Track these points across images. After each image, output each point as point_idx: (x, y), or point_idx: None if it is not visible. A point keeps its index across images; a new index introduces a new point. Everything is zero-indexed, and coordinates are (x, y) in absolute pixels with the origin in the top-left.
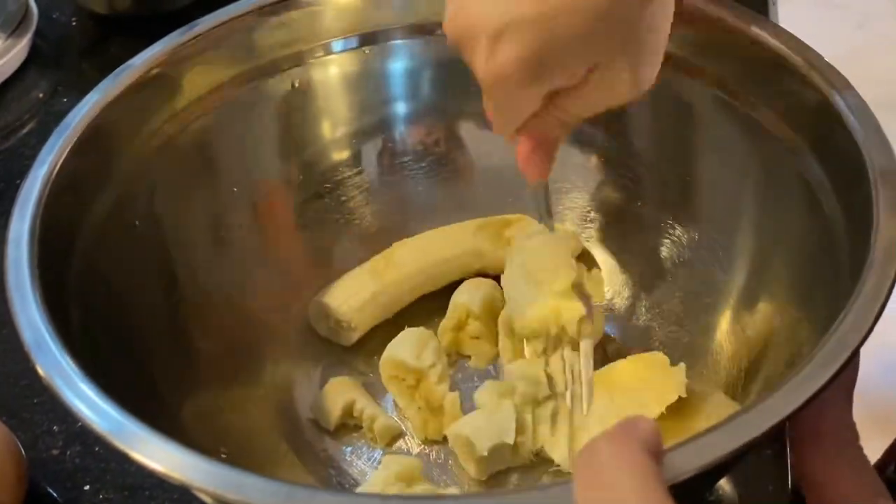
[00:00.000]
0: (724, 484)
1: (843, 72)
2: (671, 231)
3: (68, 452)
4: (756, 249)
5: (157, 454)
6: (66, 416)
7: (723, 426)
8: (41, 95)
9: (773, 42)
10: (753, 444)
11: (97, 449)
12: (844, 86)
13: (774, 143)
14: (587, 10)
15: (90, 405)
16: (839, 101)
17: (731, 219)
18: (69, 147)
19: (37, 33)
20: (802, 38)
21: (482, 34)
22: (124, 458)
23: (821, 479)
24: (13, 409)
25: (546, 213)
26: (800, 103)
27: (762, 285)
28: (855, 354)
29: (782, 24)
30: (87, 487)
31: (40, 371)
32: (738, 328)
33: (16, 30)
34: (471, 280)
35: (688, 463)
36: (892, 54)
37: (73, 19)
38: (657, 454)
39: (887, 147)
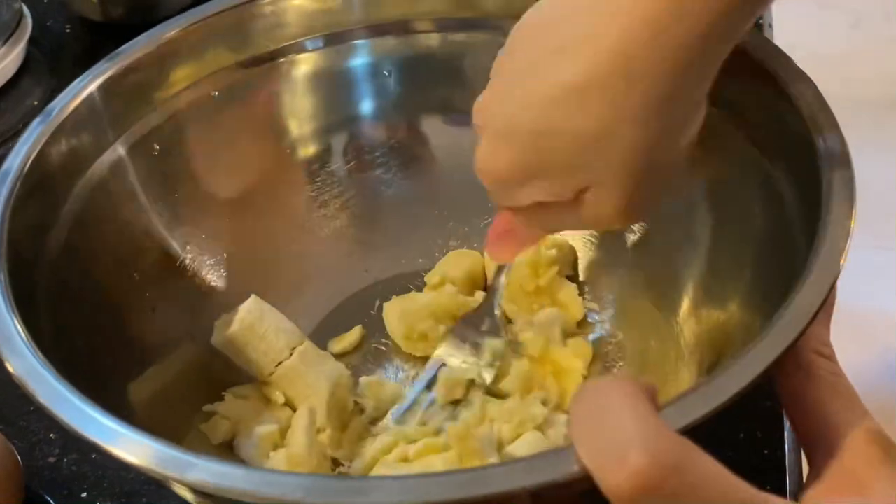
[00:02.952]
0: None
1: (837, 71)
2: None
3: (65, 460)
4: (712, 240)
5: (132, 448)
6: None
7: (709, 383)
8: (36, 103)
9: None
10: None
11: (94, 456)
12: (799, 76)
13: (730, 136)
14: (581, 137)
15: (62, 401)
16: (793, 91)
17: (687, 212)
18: (40, 145)
19: (31, 41)
20: (797, 38)
21: (489, 129)
22: (121, 465)
23: (801, 393)
24: (9, 417)
25: (495, 304)
26: (755, 95)
27: (718, 277)
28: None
29: (776, 25)
30: (84, 495)
31: (12, 370)
32: (697, 322)
33: (10, 37)
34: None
35: (685, 416)
36: (886, 54)
37: (68, 27)
38: (650, 395)
39: (836, 130)
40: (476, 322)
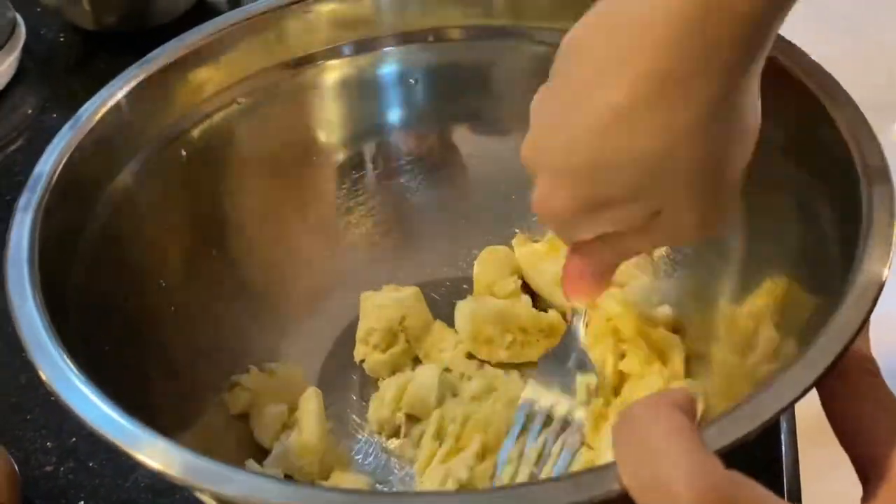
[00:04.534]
0: None
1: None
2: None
3: (62, 469)
4: (747, 251)
5: (157, 455)
6: (59, 432)
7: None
8: (30, 111)
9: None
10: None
11: (91, 465)
12: (834, 87)
13: (765, 146)
14: (639, 161)
15: (89, 407)
16: (828, 102)
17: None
18: (69, 152)
19: (25, 49)
20: (790, 42)
21: (542, 169)
22: (118, 474)
23: (848, 412)
24: (6, 426)
25: (580, 349)
26: (791, 107)
27: (754, 284)
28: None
29: None
30: (80, 503)
31: (42, 375)
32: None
33: (4, 46)
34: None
35: (726, 436)
36: (879, 58)
37: (61, 35)
38: (691, 416)
39: (876, 143)
40: (561, 358)
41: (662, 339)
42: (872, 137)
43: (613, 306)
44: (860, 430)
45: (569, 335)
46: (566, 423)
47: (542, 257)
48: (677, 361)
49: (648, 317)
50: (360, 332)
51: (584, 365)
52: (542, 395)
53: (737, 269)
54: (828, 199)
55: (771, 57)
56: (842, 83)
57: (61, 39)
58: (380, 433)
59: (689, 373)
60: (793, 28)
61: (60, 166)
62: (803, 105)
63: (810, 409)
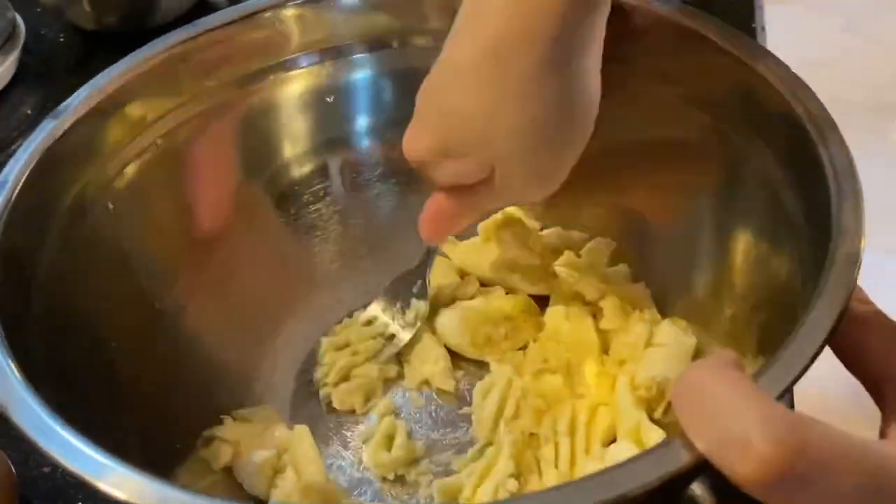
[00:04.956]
0: (697, 487)
1: (828, 74)
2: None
3: (59, 470)
4: (719, 244)
5: (122, 483)
6: None
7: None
8: (29, 112)
9: (734, 50)
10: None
11: None
12: (801, 88)
13: (736, 145)
14: (474, 117)
15: (54, 438)
16: (797, 105)
17: (696, 216)
18: (28, 170)
19: (24, 50)
20: (788, 42)
21: (416, 113)
22: None
23: (855, 341)
24: (3, 427)
25: (425, 283)
26: (760, 106)
27: (725, 281)
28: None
29: (769, 28)
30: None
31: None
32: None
33: (3, 46)
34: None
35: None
36: (878, 56)
37: (61, 35)
38: (743, 371)
39: (842, 143)
40: (408, 283)
41: (630, 292)
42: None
43: (571, 273)
44: (870, 354)
45: (423, 265)
46: (391, 337)
47: (478, 249)
48: (650, 307)
49: (606, 276)
50: (318, 375)
51: (423, 294)
52: (384, 310)
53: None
54: (797, 197)
55: (745, 63)
56: (843, 82)
57: (61, 40)
58: (383, 480)
59: (665, 314)
60: (794, 27)
61: (25, 175)
62: (775, 108)
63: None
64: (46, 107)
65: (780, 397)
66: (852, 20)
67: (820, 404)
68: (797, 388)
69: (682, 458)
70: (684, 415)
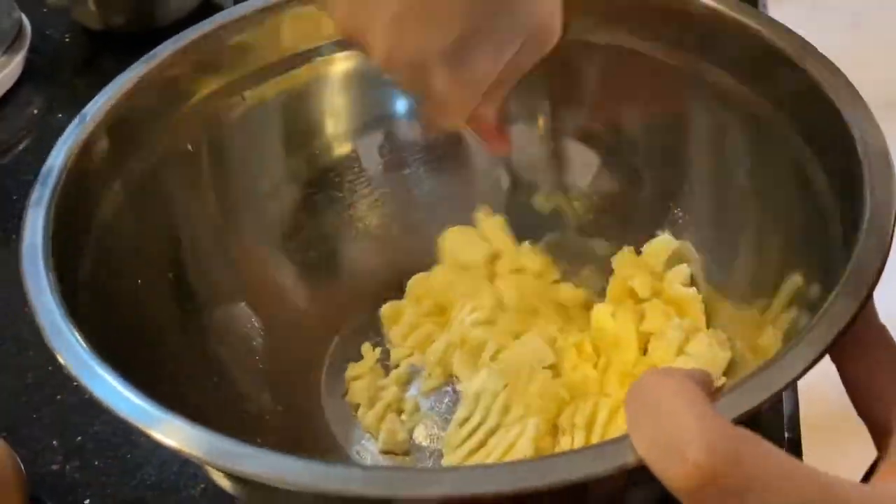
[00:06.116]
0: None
1: None
2: (673, 215)
3: (68, 467)
4: (751, 226)
5: (175, 433)
6: (65, 430)
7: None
8: (36, 112)
9: (763, 31)
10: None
11: (97, 463)
12: (833, 71)
13: (765, 128)
14: None
15: (107, 389)
16: (828, 86)
17: (727, 200)
18: (84, 137)
19: (31, 50)
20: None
21: (376, 24)
22: (124, 472)
23: (861, 377)
24: (12, 425)
25: None
26: (790, 89)
27: (760, 259)
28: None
29: None
30: (87, 502)
31: (61, 359)
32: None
33: (10, 47)
34: None
35: (742, 404)
36: (884, 53)
37: (67, 36)
38: (703, 386)
39: (874, 124)
40: None
41: (679, 295)
42: (871, 117)
43: (629, 269)
44: (875, 395)
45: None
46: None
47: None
48: (696, 314)
49: (664, 275)
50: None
51: None
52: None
53: (755, 226)
54: (828, 181)
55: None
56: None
57: (67, 40)
58: None
59: (711, 323)
60: (797, 23)
61: (69, 162)
62: (806, 90)
63: (813, 406)
64: (53, 106)
65: (777, 396)
66: (859, 17)
67: (822, 404)
68: (803, 399)
69: (621, 459)
70: (629, 417)
